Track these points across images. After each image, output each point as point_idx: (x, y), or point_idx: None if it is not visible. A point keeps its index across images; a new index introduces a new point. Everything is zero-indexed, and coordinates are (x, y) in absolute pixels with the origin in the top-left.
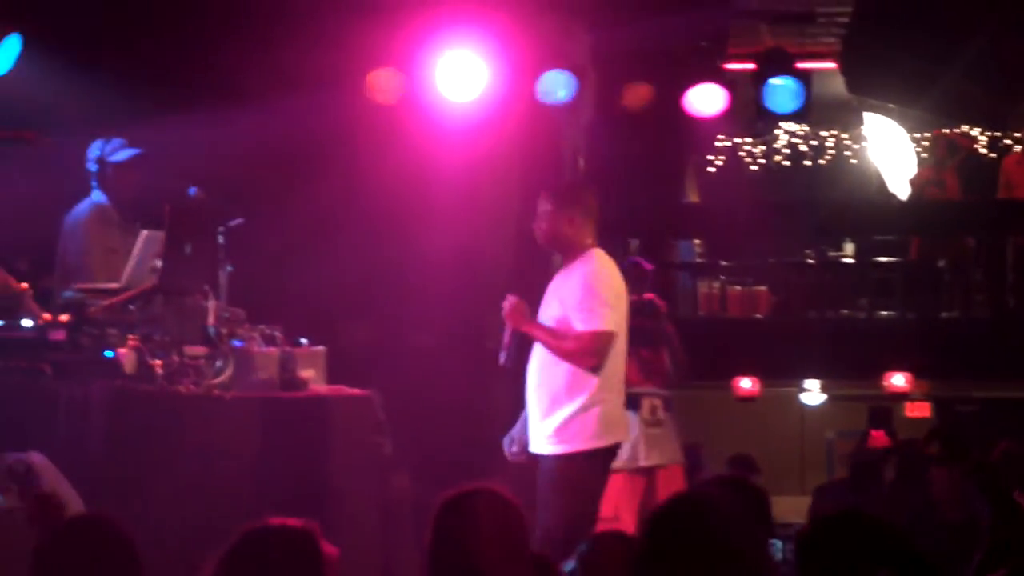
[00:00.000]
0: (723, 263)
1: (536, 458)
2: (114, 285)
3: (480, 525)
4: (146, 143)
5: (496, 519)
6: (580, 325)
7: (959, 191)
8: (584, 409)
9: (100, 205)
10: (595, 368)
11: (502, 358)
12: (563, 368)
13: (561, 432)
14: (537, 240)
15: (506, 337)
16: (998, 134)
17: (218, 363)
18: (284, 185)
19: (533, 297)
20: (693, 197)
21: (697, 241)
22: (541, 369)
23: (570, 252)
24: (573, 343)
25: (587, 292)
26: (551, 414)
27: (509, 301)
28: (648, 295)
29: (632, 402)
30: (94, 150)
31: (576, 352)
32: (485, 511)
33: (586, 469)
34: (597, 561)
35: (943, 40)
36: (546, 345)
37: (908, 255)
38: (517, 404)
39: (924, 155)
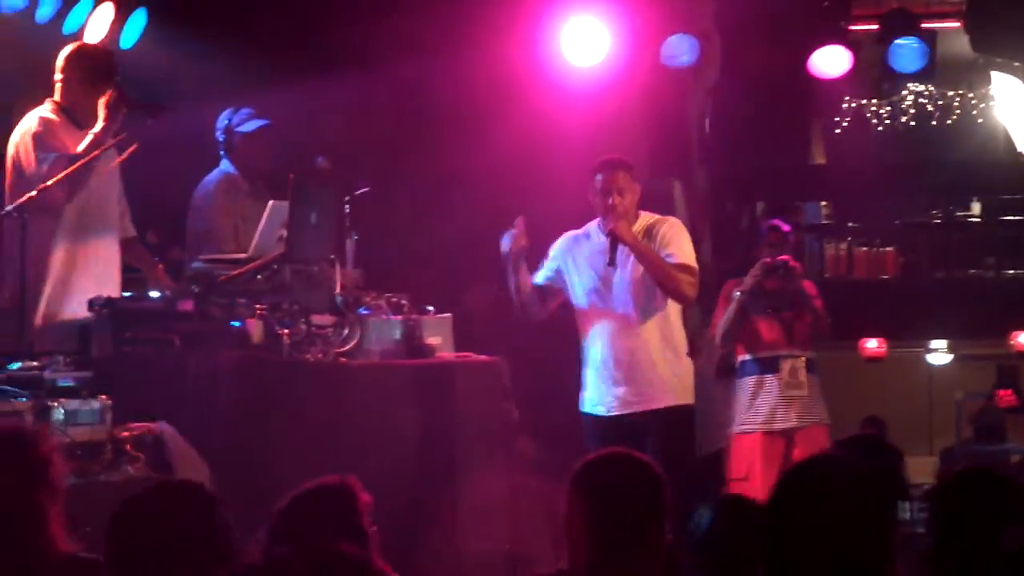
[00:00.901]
0: (850, 224)
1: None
2: (242, 255)
3: (628, 485)
4: (272, 112)
5: (641, 480)
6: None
7: None
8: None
9: (228, 175)
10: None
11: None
12: (679, 321)
13: (685, 382)
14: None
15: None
16: None
17: (345, 331)
18: (409, 153)
19: None
20: (819, 159)
21: (824, 203)
22: (662, 324)
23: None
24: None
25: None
26: (677, 366)
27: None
28: (783, 256)
29: (771, 365)
30: (222, 120)
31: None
32: (630, 472)
33: None
34: (721, 525)
35: None
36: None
37: None
38: None
39: None
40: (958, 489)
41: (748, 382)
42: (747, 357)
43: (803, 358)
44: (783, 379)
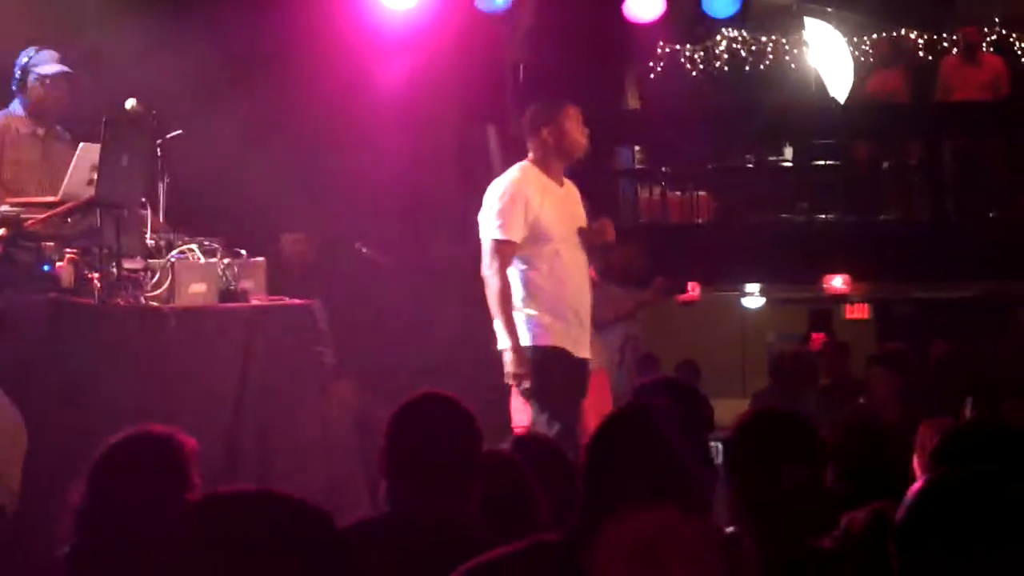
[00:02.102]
0: (663, 169)
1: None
2: (51, 198)
3: (435, 430)
4: (84, 54)
5: (450, 424)
6: None
7: (908, 93)
8: None
9: (9, 114)
10: None
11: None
12: None
13: None
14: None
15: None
16: (935, 36)
17: (156, 275)
18: (223, 97)
19: (469, 206)
20: (634, 104)
21: (637, 148)
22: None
23: None
24: None
25: None
26: None
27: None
28: None
29: None
30: (22, 57)
31: None
32: (439, 416)
33: None
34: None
35: None
36: None
37: (848, 159)
38: (457, 319)
39: (863, 59)
40: (746, 433)
41: None
42: None
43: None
44: None
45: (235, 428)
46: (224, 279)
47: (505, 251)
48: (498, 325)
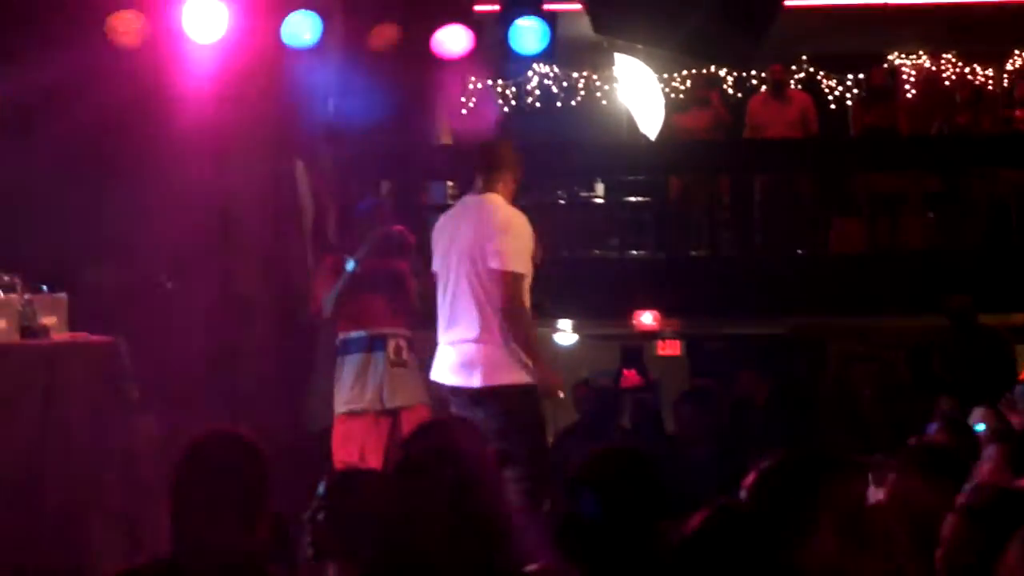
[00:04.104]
0: None
1: None
2: None
3: (216, 470)
4: None
5: (233, 460)
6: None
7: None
8: None
9: None
10: None
11: None
12: None
13: None
14: None
15: None
16: (744, 74)
17: None
18: (23, 129)
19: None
20: (446, 139)
21: (450, 183)
22: None
23: None
24: None
25: None
26: None
27: None
28: (398, 227)
29: (379, 343)
30: None
31: None
32: (221, 456)
33: None
34: (344, 500)
35: None
36: None
37: (660, 195)
38: (268, 348)
39: (673, 95)
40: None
41: (354, 359)
42: (352, 334)
43: (405, 337)
44: (389, 357)
45: (34, 466)
46: (24, 315)
47: (524, 286)
48: (518, 355)
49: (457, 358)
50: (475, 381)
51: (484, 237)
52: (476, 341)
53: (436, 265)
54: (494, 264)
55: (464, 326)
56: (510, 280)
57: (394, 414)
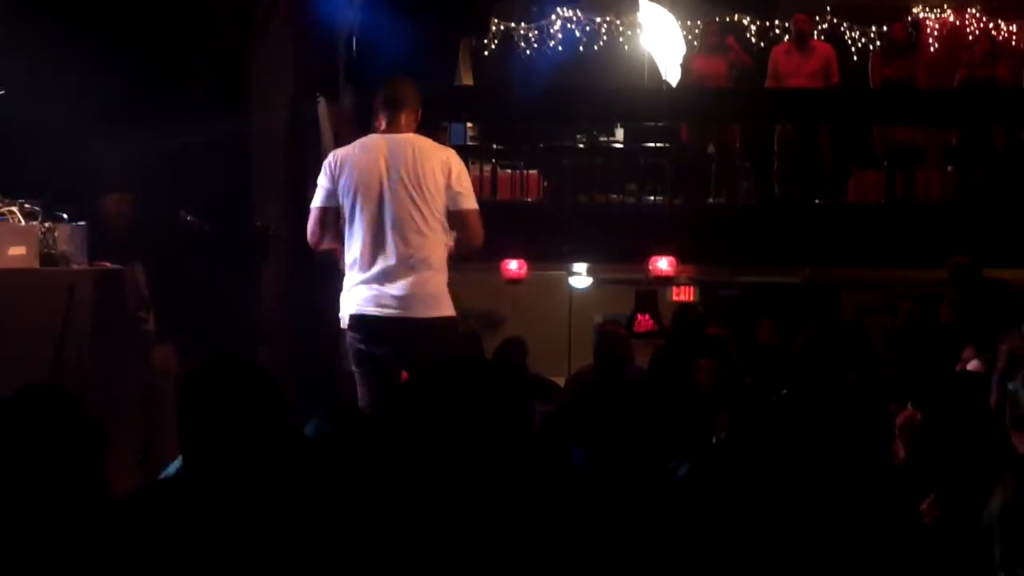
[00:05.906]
0: (495, 146)
1: None
2: None
3: (224, 397)
4: None
5: (243, 389)
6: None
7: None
8: None
9: None
10: None
11: None
12: None
13: None
14: None
15: None
16: (767, 23)
17: None
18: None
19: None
20: (467, 81)
21: (470, 124)
22: None
23: None
24: None
25: None
26: None
27: None
28: None
29: None
30: None
31: None
32: (229, 382)
33: None
34: None
35: None
36: None
37: (678, 142)
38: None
39: (696, 43)
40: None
41: None
42: None
43: None
44: None
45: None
46: (45, 242)
47: None
48: None
49: None
50: None
51: None
52: None
53: None
54: None
55: None
56: (475, 218)
57: None
